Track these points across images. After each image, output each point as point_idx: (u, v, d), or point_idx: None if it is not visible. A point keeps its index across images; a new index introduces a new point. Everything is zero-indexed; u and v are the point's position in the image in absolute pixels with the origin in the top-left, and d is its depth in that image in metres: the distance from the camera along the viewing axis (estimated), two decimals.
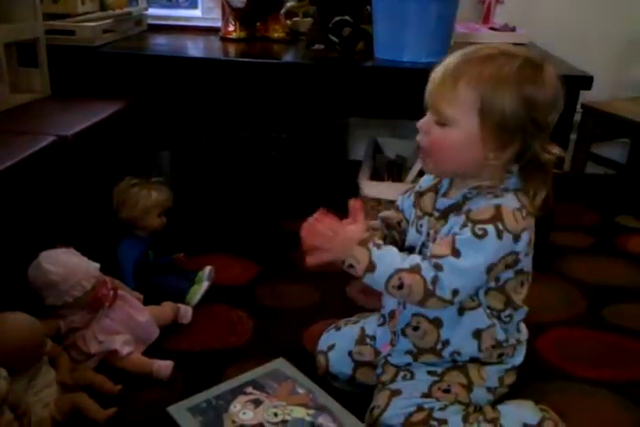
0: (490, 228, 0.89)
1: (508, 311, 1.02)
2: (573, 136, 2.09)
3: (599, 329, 1.45)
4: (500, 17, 2.22)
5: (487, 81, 0.88)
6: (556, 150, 0.92)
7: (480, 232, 0.89)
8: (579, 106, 1.81)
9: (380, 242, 0.95)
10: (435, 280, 0.90)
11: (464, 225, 0.91)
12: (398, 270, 0.91)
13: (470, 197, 0.96)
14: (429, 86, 0.93)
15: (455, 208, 0.97)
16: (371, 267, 0.92)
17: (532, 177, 0.94)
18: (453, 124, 0.91)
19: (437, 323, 1.01)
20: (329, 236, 0.94)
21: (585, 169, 2.29)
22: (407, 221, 1.11)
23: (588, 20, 2.27)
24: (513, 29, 2.09)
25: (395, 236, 1.11)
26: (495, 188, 0.94)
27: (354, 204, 0.97)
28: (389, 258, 0.93)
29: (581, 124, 2.17)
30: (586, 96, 1.77)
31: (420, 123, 0.95)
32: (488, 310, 1.00)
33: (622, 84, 2.33)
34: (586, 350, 1.36)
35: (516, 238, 0.91)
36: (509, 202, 0.92)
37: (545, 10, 2.27)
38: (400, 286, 0.91)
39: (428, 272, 0.90)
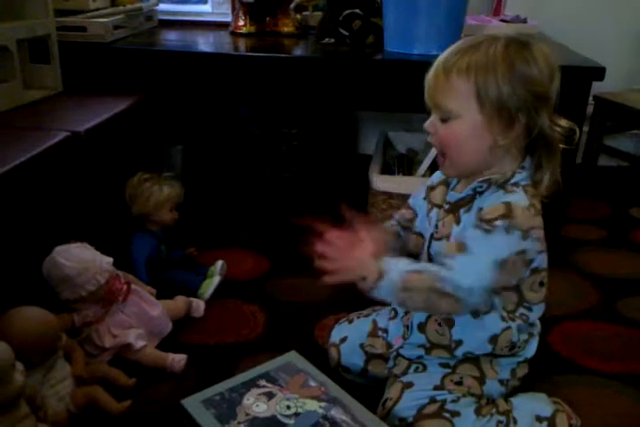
0: (499, 223, 0.89)
1: (520, 311, 1.02)
2: (585, 128, 2.08)
3: (612, 322, 1.44)
4: (510, 8, 2.21)
5: (477, 67, 0.89)
6: (564, 122, 0.93)
7: (488, 227, 0.89)
8: (590, 98, 1.80)
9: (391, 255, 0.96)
10: (445, 278, 0.89)
11: (474, 225, 0.91)
12: (407, 271, 0.91)
13: (481, 190, 0.96)
14: (426, 87, 0.94)
15: (465, 202, 0.97)
16: (380, 276, 0.91)
17: (541, 155, 0.94)
18: (455, 116, 0.91)
19: (449, 323, 1.01)
20: (347, 262, 0.92)
21: (597, 161, 2.27)
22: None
23: (600, 11, 2.25)
24: (524, 21, 2.07)
25: (409, 236, 1.12)
26: (506, 182, 0.94)
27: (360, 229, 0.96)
28: (399, 265, 0.92)
29: (593, 116, 2.15)
30: (598, 87, 1.75)
31: (426, 124, 0.96)
32: (504, 312, 1.00)
33: (635, 75, 2.31)
34: (598, 343, 1.36)
35: (525, 236, 0.90)
36: (519, 199, 0.92)
37: (556, 1, 2.25)
38: (408, 289, 0.90)
39: (439, 271, 0.90)
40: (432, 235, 1.03)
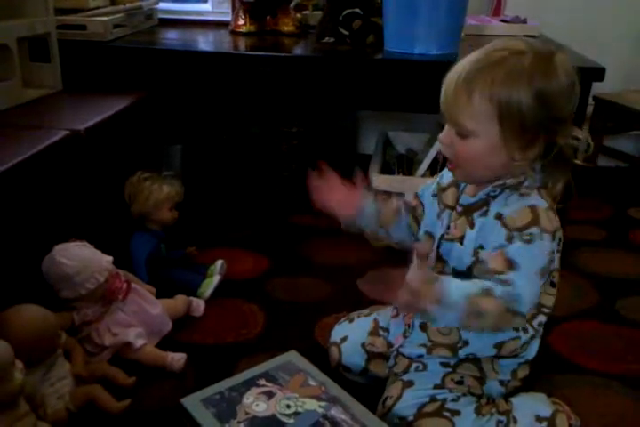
0: (534, 230, 0.88)
1: (538, 319, 1.02)
2: (585, 129, 2.07)
3: (612, 322, 1.44)
4: (510, 9, 2.21)
5: (500, 86, 0.86)
6: (580, 135, 0.92)
7: (528, 237, 0.88)
8: (590, 98, 1.80)
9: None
10: (510, 297, 0.85)
11: (510, 237, 0.89)
12: (471, 296, 0.85)
13: (494, 195, 0.95)
14: (443, 97, 0.92)
15: (479, 206, 0.96)
16: (438, 301, 0.84)
17: (555, 168, 0.93)
18: (475, 134, 0.90)
19: None
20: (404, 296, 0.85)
21: (597, 162, 2.28)
22: (423, 209, 1.10)
23: (600, 11, 2.25)
24: (524, 21, 2.07)
25: (411, 220, 1.12)
26: (518, 184, 0.93)
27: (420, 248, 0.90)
28: (458, 286, 0.86)
29: (593, 117, 2.15)
30: (597, 88, 1.75)
31: (441, 136, 0.95)
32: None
33: (634, 75, 2.31)
34: (598, 344, 1.36)
35: (553, 237, 0.91)
36: (539, 201, 0.91)
37: (556, 1, 2.25)
38: (478, 314, 0.85)
39: (500, 291, 0.85)
40: (442, 235, 1.02)
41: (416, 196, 1.13)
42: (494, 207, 0.94)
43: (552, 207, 0.93)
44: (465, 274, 0.98)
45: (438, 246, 1.03)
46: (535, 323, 1.02)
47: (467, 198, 1.00)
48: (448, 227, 1.01)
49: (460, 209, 1.00)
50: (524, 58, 0.88)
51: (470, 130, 0.90)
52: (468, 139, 0.91)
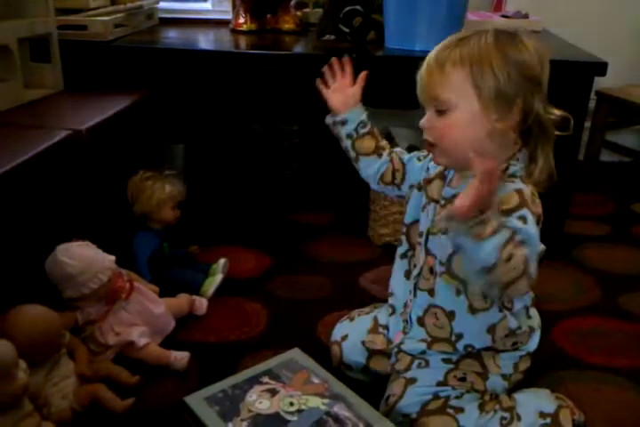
0: (525, 212, 0.85)
1: (523, 302, 1.02)
2: (587, 124, 2.07)
3: (615, 317, 1.44)
4: (512, 4, 2.20)
5: (470, 58, 0.89)
6: (557, 111, 0.93)
7: (522, 219, 0.84)
8: (592, 93, 1.79)
9: None
10: (529, 259, 0.79)
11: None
12: (511, 237, 0.77)
13: None
14: (419, 82, 0.95)
15: None
16: (497, 229, 0.76)
17: (536, 144, 0.93)
18: (453, 107, 0.91)
19: (451, 316, 1.01)
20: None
21: (599, 157, 2.27)
22: (403, 174, 1.12)
23: (602, 6, 2.24)
24: (526, 16, 2.07)
25: (387, 170, 1.14)
26: (502, 174, 0.92)
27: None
28: (507, 224, 0.79)
29: (595, 112, 2.15)
30: (600, 83, 1.75)
31: (422, 122, 0.96)
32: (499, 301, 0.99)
33: (637, 70, 2.30)
34: (601, 339, 1.36)
35: (538, 221, 0.89)
36: (524, 187, 0.91)
37: None
38: (509, 258, 0.77)
39: (524, 251, 0.79)
40: (429, 230, 1.03)
41: (401, 160, 1.13)
42: None
43: (535, 194, 0.92)
44: (446, 265, 0.98)
45: (426, 241, 1.03)
46: (505, 303, 1.00)
47: (449, 190, 1.00)
48: (433, 220, 1.02)
49: (443, 202, 1.01)
50: (488, 33, 0.92)
51: (447, 100, 0.91)
52: (448, 113, 0.92)
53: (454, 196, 0.97)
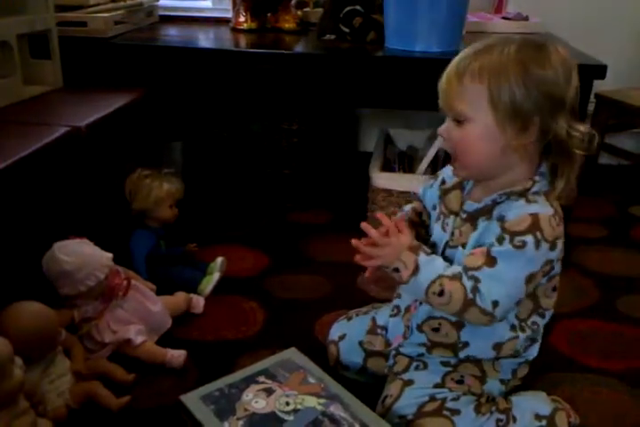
0: (529, 238, 0.88)
1: (532, 319, 1.01)
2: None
3: (613, 320, 1.44)
4: (512, 6, 2.20)
5: (489, 70, 0.87)
6: (582, 128, 0.90)
7: (519, 244, 0.88)
8: (592, 96, 1.79)
9: (429, 250, 0.96)
10: (474, 289, 0.90)
11: (501, 238, 0.89)
12: (440, 276, 0.92)
13: (500, 201, 0.93)
14: (440, 91, 0.93)
15: (484, 213, 0.95)
16: (416, 271, 0.92)
17: (557, 161, 0.92)
18: (468, 119, 0.90)
19: (458, 325, 1.00)
20: (381, 245, 0.95)
21: (598, 160, 2.27)
22: (429, 214, 1.10)
23: (602, 9, 2.24)
24: (526, 18, 2.07)
25: (421, 232, 1.10)
26: (526, 191, 0.92)
27: (396, 221, 0.98)
28: (434, 264, 0.94)
29: (595, 115, 2.15)
30: (599, 86, 1.75)
31: (440, 129, 0.95)
32: (516, 321, 0.99)
33: (636, 73, 2.30)
34: (598, 341, 1.36)
35: (553, 247, 0.89)
36: (543, 208, 0.90)
37: None
38: (440, 293, 0.91)
39: (468, 282, 0.90)
40: (447, 242, 1.01)
41: (418, 199, 1.12)
42: (498, 211, 0.93)
43: (558, 213, 0.91)
44: None
45: (442, 253, 1.01)
46: (529, 322, 1.01)
47: (472, 204, 0.98)
48: (452, 233, 1.00)
49: (464, 216, 0.99)
50: (512, 44, 0.89)
51: (463, 113, 0.90)
52: (464, 125, 0.91)
53: (477, 210, 0.96)
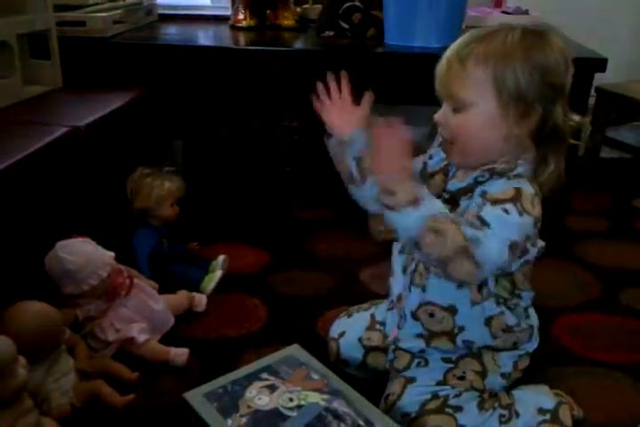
0: (510, 206, 0.86)
1: (514, 300, 1.01)
2: (588, 120, 2.07)
3: (614, 313, 1.44)
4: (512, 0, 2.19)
5: (494, 56, 0.87)
6: (576, 117, 0.91)
7: (502, 209, 0.86)
8: (592, 89, 1.79)
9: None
10: (474, 239, 0.83)
11: (483, 204, 0.87)
12: (441, 214, 0.84)
13: (482, 180, 0.93)
14: (438, 77, 0.92)
15: (465, 191, 0.95)
16: (415, 201, 0.82)
17: (549, 148, 0.92)
18: (470, 106, 0.89)
19: (452, 310, 1.00)
20: (396, 154, 0.83)
21: (600, 153, 2.27)
22: (429, 173, 1.06)
23: (602, 2, 2.24)
24: (526, 12, 2.06)
25: None
26: (508, 172, 0.91)
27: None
28: (435, 201, 0.86)
29: (596, 108, 2.14)
30: (600, 79, 1.74)
31: (437, 116, 0.94)
32: (497, 299, 0.99)
33: (637, 66, 2.30)
34: (601, 334, 1.36)
35: (535, 223, 0.88)
36: (526, 186, 0.90)
37: None
38: (437, 231, 0.81)
39: (468, 230, 0.83)
40: None
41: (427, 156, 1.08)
42: (480, 188, 0.92)
43: (538, 195, 0.91)
44: None
45: None
46: (511, 303, 1.01)
47: (455, 184, 0.98)
48: None
49: (446, 196, 0.98)
50: (515, 31, 0.89)
51: (466, 100, 0.89)
52: (464, 112, 0.90)
53: (460, 189, 0.96)
